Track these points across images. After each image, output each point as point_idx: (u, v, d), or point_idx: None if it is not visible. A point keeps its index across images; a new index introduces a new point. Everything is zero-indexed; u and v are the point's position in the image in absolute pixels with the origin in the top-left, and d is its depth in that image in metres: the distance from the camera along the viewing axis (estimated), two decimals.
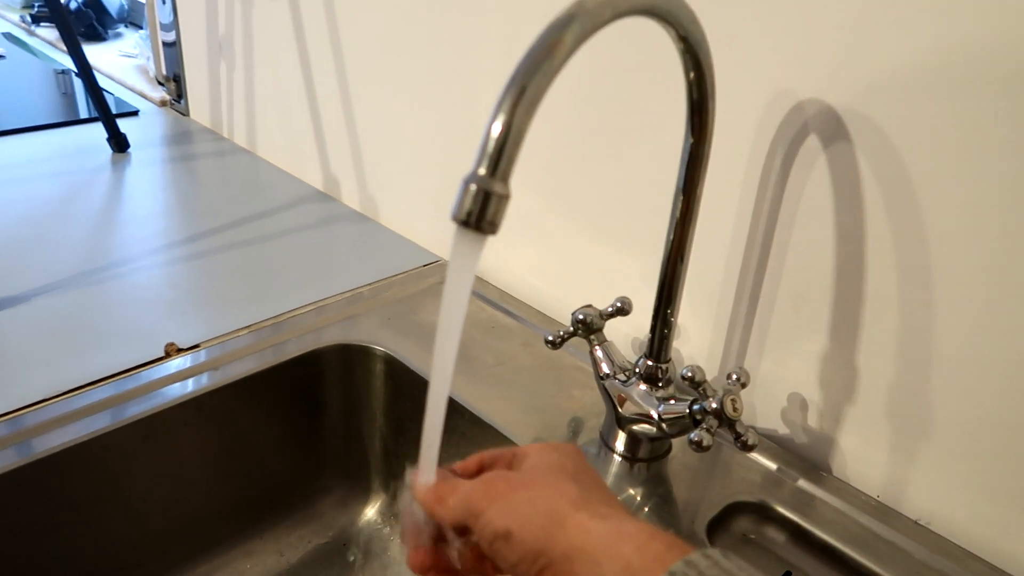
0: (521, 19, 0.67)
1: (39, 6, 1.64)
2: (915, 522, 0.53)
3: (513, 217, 0.73)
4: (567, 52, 0.36)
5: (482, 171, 0.34)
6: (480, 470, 0.39)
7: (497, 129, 0.34)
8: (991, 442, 0.49)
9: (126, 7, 1.58)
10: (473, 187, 0.34)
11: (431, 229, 0.86)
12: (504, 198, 0.35)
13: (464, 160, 0.78)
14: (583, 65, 0.63)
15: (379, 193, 0.91)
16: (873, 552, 0.51)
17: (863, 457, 0.55)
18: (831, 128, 0.50)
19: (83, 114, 1.17)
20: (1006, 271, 0.45)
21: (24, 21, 1.64)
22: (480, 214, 0.34)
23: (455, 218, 0.35)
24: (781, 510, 0.54)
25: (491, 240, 0.36)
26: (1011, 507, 0.49)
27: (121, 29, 1.57)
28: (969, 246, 0.46)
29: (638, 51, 0.59)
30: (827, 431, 0.56)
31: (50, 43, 1.51)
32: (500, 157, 0.34)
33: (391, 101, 0.84)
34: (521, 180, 0.72)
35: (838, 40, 0.48)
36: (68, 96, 1.26)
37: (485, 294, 0.78)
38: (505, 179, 0.34)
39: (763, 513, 0.54)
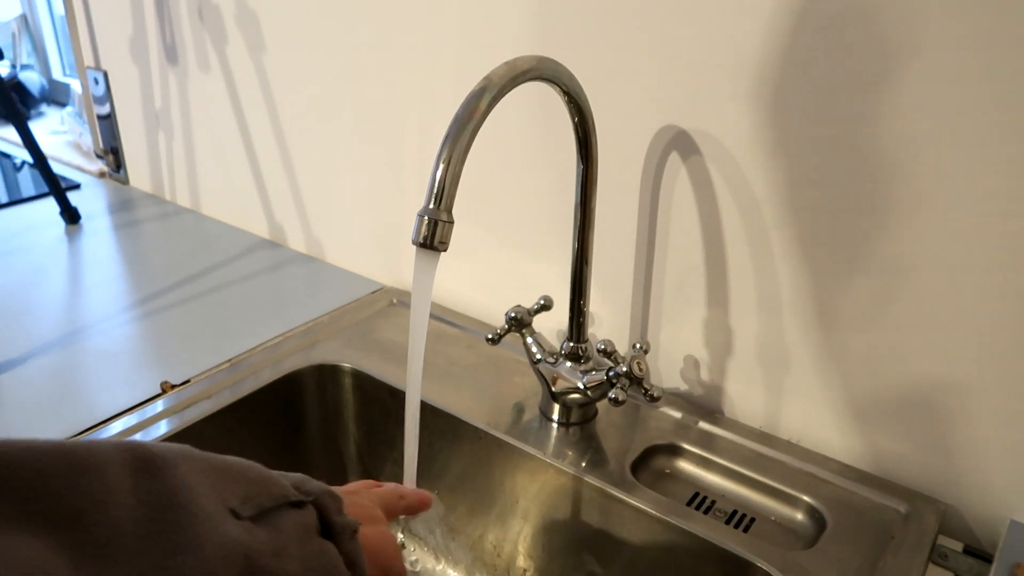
0: (435, 81, 0.80)
1: None
2: (788, 441, 0.68)
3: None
4: (483, 114, 0.49)
5: (431, 205, 0.47)
6: None
7: (439, 173, 0.47)
8: (831, 370, 0.64)
9: (47, 87, 1.64)
10: (425, 218, 0.47)
11: (373, 261, 0.98)
12: (449, 224, 0.48)
13: (396, 198, 0.91)
14: (498, 119, 0.77)
15: (323, 235, 1.03)
16: (760, 467, 0.66)
17: (745, 397, 0.70)
18: (685, 145, 0.65)
19: (10, 194, 1.23)
20: (830, 238, 0.61)
21: None
22: (432, 236, 0.48)
23: (414, 242, 0.48)
24: (688, 447, 0.68)
25: None
26: (851, 417, 0.64)
27: (43, 108, 1.63)
28: (795, 220, 0.62)
29: (538, 104, 0.74)
30: (716, 381, 0.71)
31: None
32: (443, 194, 0.47)
33: (327, 154, 0.97)
34: (455, 212, 0.85)
35: (682, 78, 0.64)
36: None
37: (431, 311, 0.90)
38: (449, 209, 0.48)
39: (675, 451, 0.68)
